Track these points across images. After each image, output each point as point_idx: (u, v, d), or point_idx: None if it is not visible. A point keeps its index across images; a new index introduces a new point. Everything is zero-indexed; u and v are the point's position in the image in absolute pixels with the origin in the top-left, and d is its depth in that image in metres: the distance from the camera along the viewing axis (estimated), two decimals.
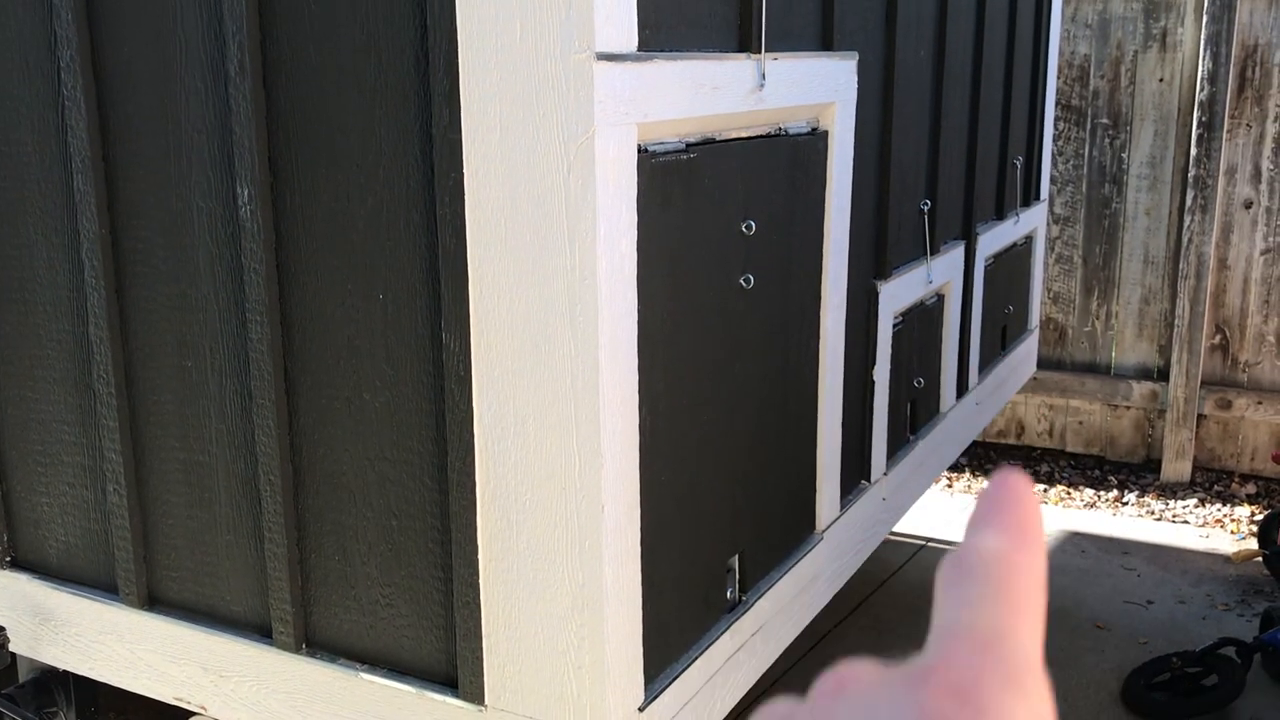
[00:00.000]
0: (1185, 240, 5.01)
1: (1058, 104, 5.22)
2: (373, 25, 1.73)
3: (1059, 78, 5.18)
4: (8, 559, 2.39)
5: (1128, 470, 5.32)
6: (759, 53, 2.03)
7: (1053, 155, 5.25)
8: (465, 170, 1.68)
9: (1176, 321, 5.08)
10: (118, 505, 2.17)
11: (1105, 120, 5.16)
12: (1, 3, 2.08)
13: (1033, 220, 4.23)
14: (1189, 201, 4.98)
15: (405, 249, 1.79)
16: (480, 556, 1.79)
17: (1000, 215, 3.81)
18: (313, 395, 1.93)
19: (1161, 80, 5.04)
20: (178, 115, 1.94)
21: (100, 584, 2.28)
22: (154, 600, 2.22)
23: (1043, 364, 5.42)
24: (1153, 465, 5.29)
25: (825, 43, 2.33)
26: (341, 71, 1.77)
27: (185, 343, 2.04)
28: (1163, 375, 5.23)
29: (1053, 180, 5.28)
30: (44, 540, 2.34)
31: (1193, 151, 4.94)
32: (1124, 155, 5.15)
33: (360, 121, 1.77)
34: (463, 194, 1.70)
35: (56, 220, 2.13)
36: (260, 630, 2.09)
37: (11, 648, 2.41)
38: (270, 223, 1.89)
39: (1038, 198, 4.33)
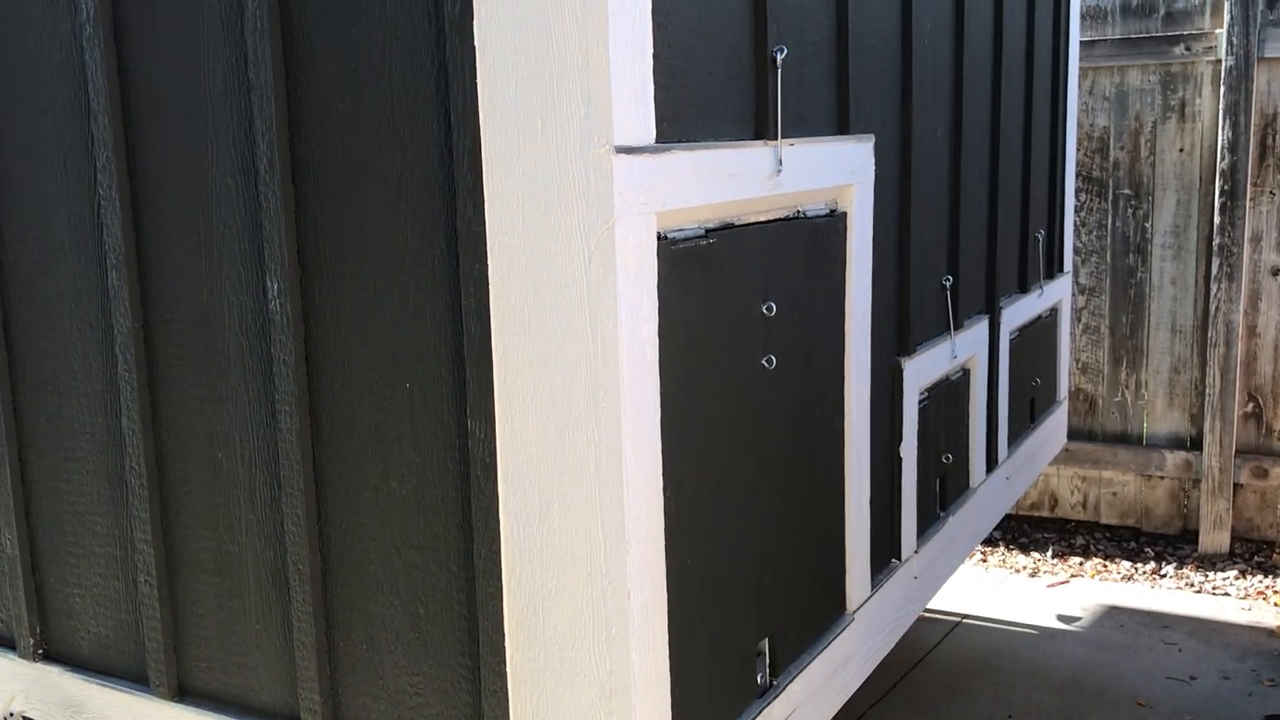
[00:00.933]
0: (1213, 308, 5.00)
1: (1078, 176, 5.25)
2: (398, 123, 1.78)
3: (1079, 150, 5.22)
4: (40, 651, 2.41)
5: (1164, 542, 5.24)
6: (775, 139, 2.06)
7: (1075, 227, 5.27)
8: (489, 261, 1.71)
9: (1208, 390, 5.04)
10: (148, 596, 2.19)
11: (1127, 190, 5.18)
12: (42, 106, 2.15)
13: (1057, 292, 4.23)
14: (1215, 270, 4.97)
15: (431, 338, 1.82)
16: (507, 644, 1.79)
17: (1024, 288, 3.81)
18: (341, 484, 1.95)
19: (1182, 150, 5.07)
20: (209, 212, 1.99)
21: (131, 675, 2.29)
22: (184, 691, 2.22)
23: (1074, 435, 5.38)
24: (1190, 536, 5.22)
25: (841, 126, 2.37)
26: (368, 168, 1.82)
27: (216, 434, 2.07)
28: (1196, 445, 5.17)
29: (1076, 251, 5.30)
30: (76, 632, 2.36)
31: (1216, 220, 4.95)
32: (1147, 225, 5.16)
33: (387, 216, 1.82)
34: (487, 284, 1.73)
35: (91, 315, 2.18)
36: None
37: None
38: (299, 315, 1.93)
39: (1061, 270, 4.34)
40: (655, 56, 1.71)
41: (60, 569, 2.35)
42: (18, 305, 2.27)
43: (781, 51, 2.04)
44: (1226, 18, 4.85)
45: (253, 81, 1.88)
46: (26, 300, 2.25)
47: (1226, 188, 4.91)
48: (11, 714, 2.42)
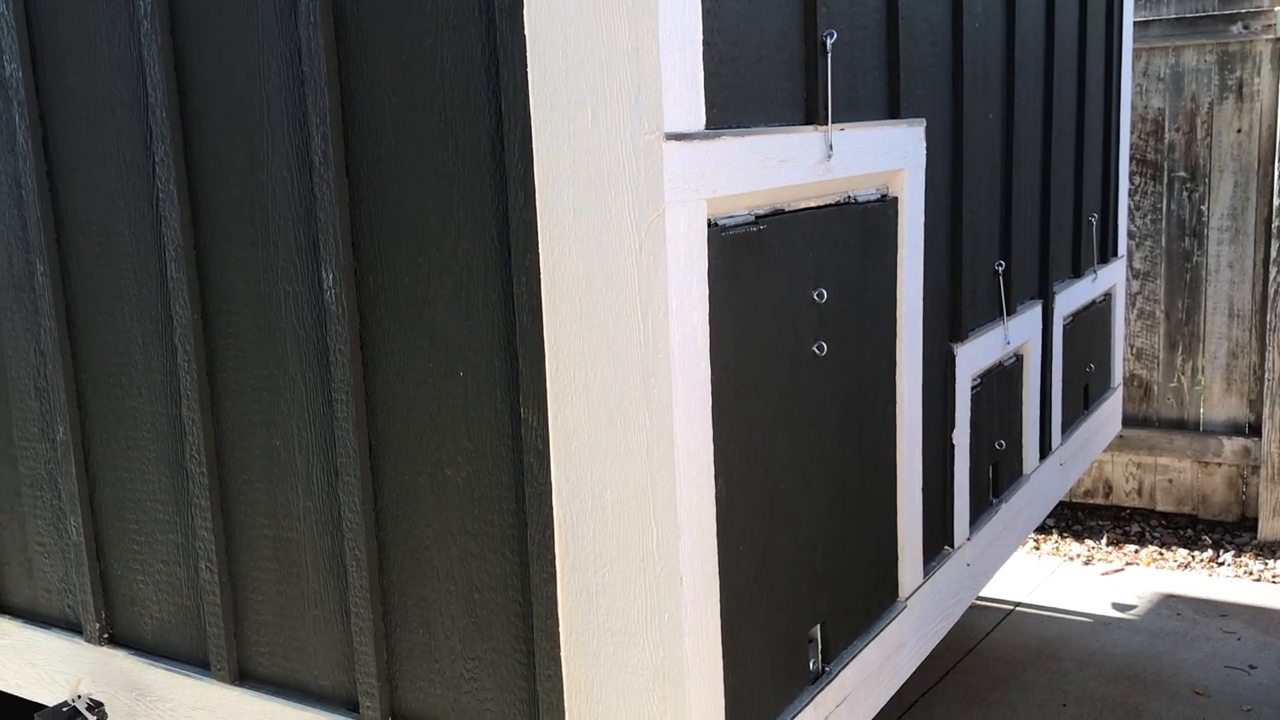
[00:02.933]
0: (1272, 292, 4.90)
1: (1132, 158, 5.17)
2: (450, 113, 1.79)
3: (1133, 132, 5.14)
4: (105, 635, 2.46)
5: (1222, 529, 5.16)
6: (826, 124, 2.06)
7: (1130, 210, 5.19)
8: (540, 250, 1.72)
9: (1267, 375, 4.95)
10: (209, 582, 2.23)
11: (1182, 173, 5.10)
12: (102, 101, 2.19)
13: (1111, 277, 4.17)
14: (1274, 253, 4.88)
15: (484, 327, 1.83)
16: (561, 630, 1.81)
17: (1077, 273, 3.77)
18: (396, 472, 1.97)
19: (1240, 131, 4.97)
20: (265, 204, 2.02)
21: (193, 659, 2.34)
22: (244, 675, 2.26)
23: (1128, 421, 5.31)
24: (1248, 524, 5.13)
25: (892, 111, 2.35)
26: (421, 158, 1.84)
27: (274, 423, 2.10)
28: (1254, 430, 5.08)
29: (1131, 235, 5.22)
30: (139, 617, 2.41)
31: (1276, 202, 4.85)
32: (1203, 208, 5.08)
33: (439, 206, 1.83)
34: (539, 273, 1.74)
35: (151, 307, 2.22)
36: (348, 705, 2.13)
37: None
38: (354, 305, 1.95)
39: (1115, 254, 4.28)
40: (705, 43, 1.71)
41: (124, 555, 2.40)
42: (80, 298, 2.32)
43: (831, 36, 2.03)
44: None
45: (306, 74, 1.90)
46: (88, 293, 2.30)
47: None
48: (79, 695, 2.49)
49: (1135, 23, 5.03)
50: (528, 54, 1.68)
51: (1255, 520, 5.10)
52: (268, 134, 1.99)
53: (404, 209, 1.87)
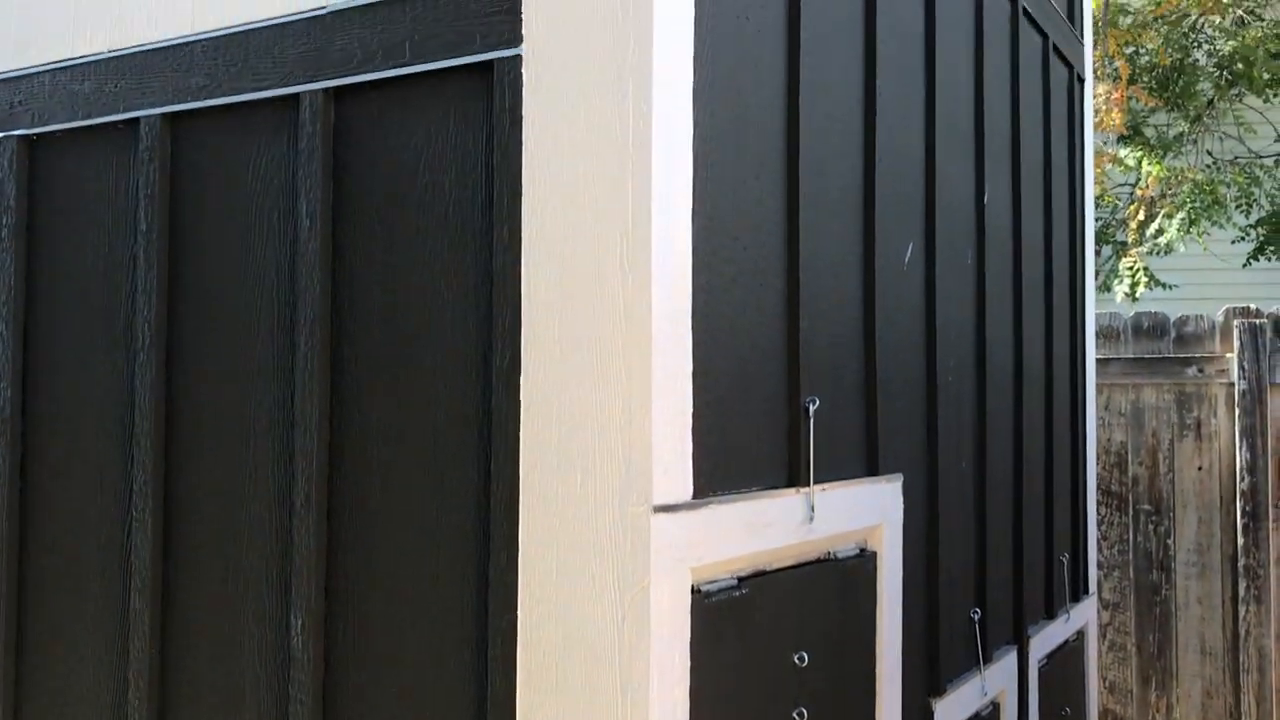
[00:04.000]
0: (1243, 631, 4.87)
1: (1098, 489, 5.26)
2: (440, 470, 1.80)
3: (1098, 464, 5.24)
4: None
5: None
6: (808, 485, 2.08)
7: (1097, 540, 5.22)
8: (519, 612, 1.68)
9: (1244, 718, 4.84)
10: None
11: (1147, 506, 5.17)
12: (86, 427, 2.19)
13: (1083, 615, 4.14)
14: (1242, 591, 4.89)
15: (455, 689, 1.76)
16: None
17: (1050, 614, 3.73)
18: None
19: (1200, 469, 5.09)
20: (240, 541, 1.99)
21: None
22: None
23: None
24: None
25: (871, 468, 2.39)
26: (406, 511, 1.82)
27: None
28: None
29: (1099, 565, 5.23)
30: None
31: (1240, 540, 4.91)
32: (1169, 541, 5.12)
33: (419, 560, 1.81)
34: (515, 636, 1.70)
35: (108, 636, 2.13)
36: None
37: None
38: (320, 653, 1.88)
39: (1086, 591, 4.26)
40: (695, 415, 1.74)
41: None
42: (34, 623, 2.23)
43: (814, 403, 2.09)
44: (1236, 344, 4.98)
45: (298, 419, 1.92)
46: (44, 619, 2.22)
47: (1248, 509, 4.90)
48: None
49: (1096, 360, 5.24)
50: (522, 418, 1.70)
51: None
52: (251, 471, 1.99)
53: (382, 559, 1.84)
